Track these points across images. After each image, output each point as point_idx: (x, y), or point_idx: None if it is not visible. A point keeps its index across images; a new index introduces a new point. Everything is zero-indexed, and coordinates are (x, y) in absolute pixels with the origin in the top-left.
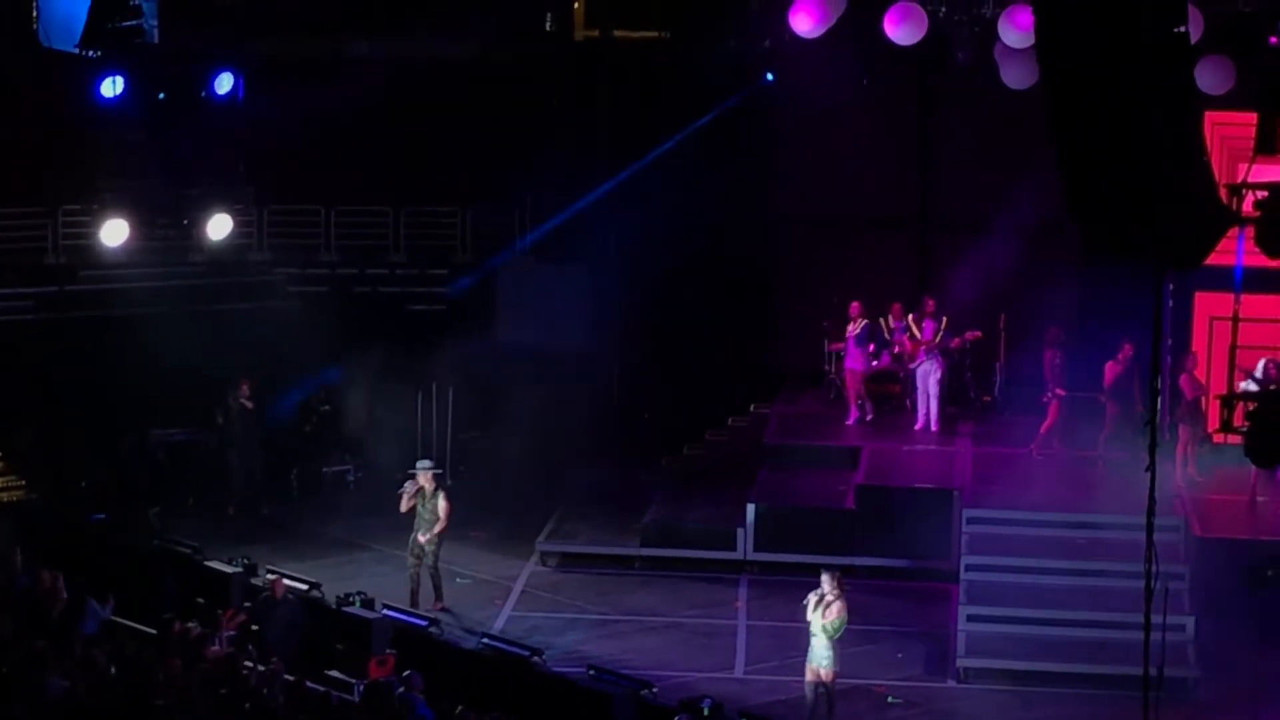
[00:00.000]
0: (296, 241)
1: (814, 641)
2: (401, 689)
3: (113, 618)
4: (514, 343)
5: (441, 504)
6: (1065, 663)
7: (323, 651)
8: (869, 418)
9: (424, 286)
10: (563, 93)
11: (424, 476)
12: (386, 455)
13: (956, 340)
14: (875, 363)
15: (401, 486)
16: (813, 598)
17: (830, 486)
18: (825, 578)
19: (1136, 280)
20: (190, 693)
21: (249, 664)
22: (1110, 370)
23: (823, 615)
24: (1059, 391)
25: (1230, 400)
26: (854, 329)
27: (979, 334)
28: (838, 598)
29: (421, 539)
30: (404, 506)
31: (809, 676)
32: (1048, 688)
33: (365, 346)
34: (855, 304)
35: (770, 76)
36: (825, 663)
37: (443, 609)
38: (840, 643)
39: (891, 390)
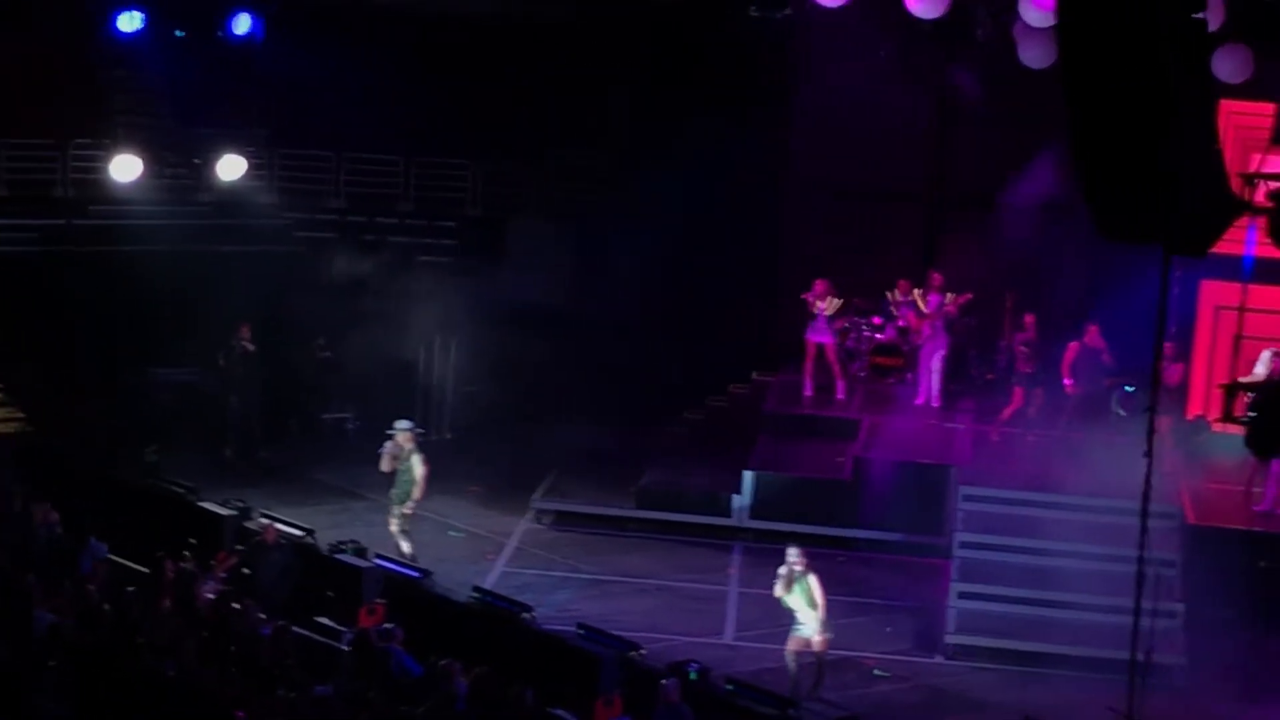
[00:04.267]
0: (306, 186)
1: (801, 615)
2: (382, 642)
3: (108, 556)
4: (519, 299)
5: (418, 468)
6: (1054, 644)
7: (313, 598)
8: (840, 396)
9: (432, 238)
10: (582, 52)
11: (402, 436)
12: (386, 405)
13: (952, 306)
14: (851, 338)
15: (382, 447)
16: (780, 577)
17: (828, 458)
18: (793, 552)
19: (1145, 263)
20: (178, 633)
21: (236, 605)
22: (1072, 350)
23: (813, 594)
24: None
25: (1233, 389)
26: (825, 307)
27: (970, 295)
28: (809, 570)
29: (400, 509)
30: (385, 466)
31: (793, 646)
32: (1036, 668)
33: (370, 295)
34: (820, 281)
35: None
36: (821, 632)
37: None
38: (830, 613)
39: (895, 364)
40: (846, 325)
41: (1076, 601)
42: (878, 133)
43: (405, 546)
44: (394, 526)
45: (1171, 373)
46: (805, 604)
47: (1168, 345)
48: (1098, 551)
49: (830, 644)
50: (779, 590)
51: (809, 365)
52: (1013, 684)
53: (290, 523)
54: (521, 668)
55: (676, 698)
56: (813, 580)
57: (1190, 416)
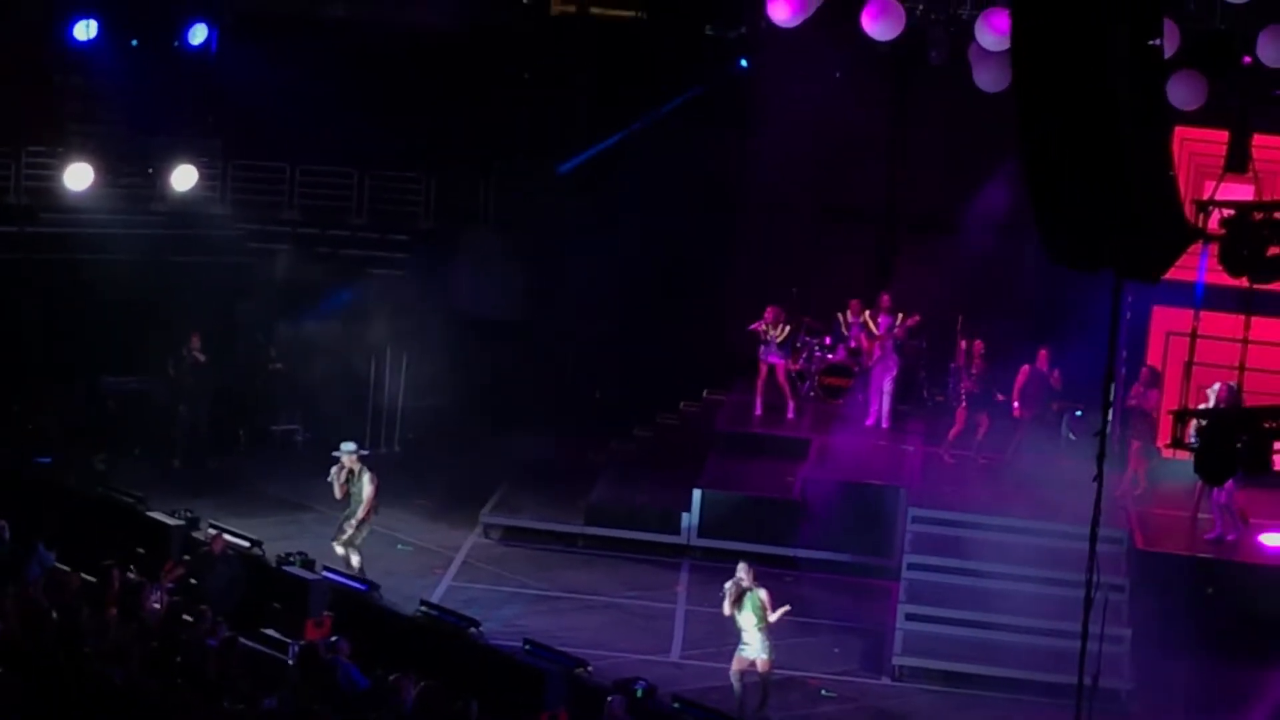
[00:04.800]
0: (259, 198)
1: (746, 635)
2: (329, 655)
3: (55, 564)
4: (471, 312)
5: (367, 488)
6: (1001, 667)
7: (260, 609)
8: (790, 416)
9: (384, 250)
10: (536, 67)
11: (348, 459)
12: (336, 417)
13: (900, 330)
14: (795, 365)
15: (329, 474)
16: (730, 590)
17: (778, 477)
18: (743, 567)
19: (1096, 289)
20: (124, 643)
21: (186, 618)
22: (1023, 374)
23: (762, 610)
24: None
25: (1183, 416)
26: (776, 334)
27: (917, 318)
28: (756, 586)
29: (349, 529)
30: (338, 494)
31: (737, 666)
32: (983, 691)
33: (321, 308)
34: (771, 309)
35: (744, 63)
36: (764, 653)
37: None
38: (776, 634)
39: (845, 384)
40: (799, 345)
41: (1024, 625)
42: (832, 152)
43: (354, 560)
44: (341, 540)
45: (1148, 398)
46: (754, 620)
47: (1143, 371)
48: (1046, 575)
49: (775, 664)
50: (727, 607)
51: (760, 384)
52: (959, 706)
53: (238, 534)
54: (468, 682)
55: (622, 714)
56: (763, 594)
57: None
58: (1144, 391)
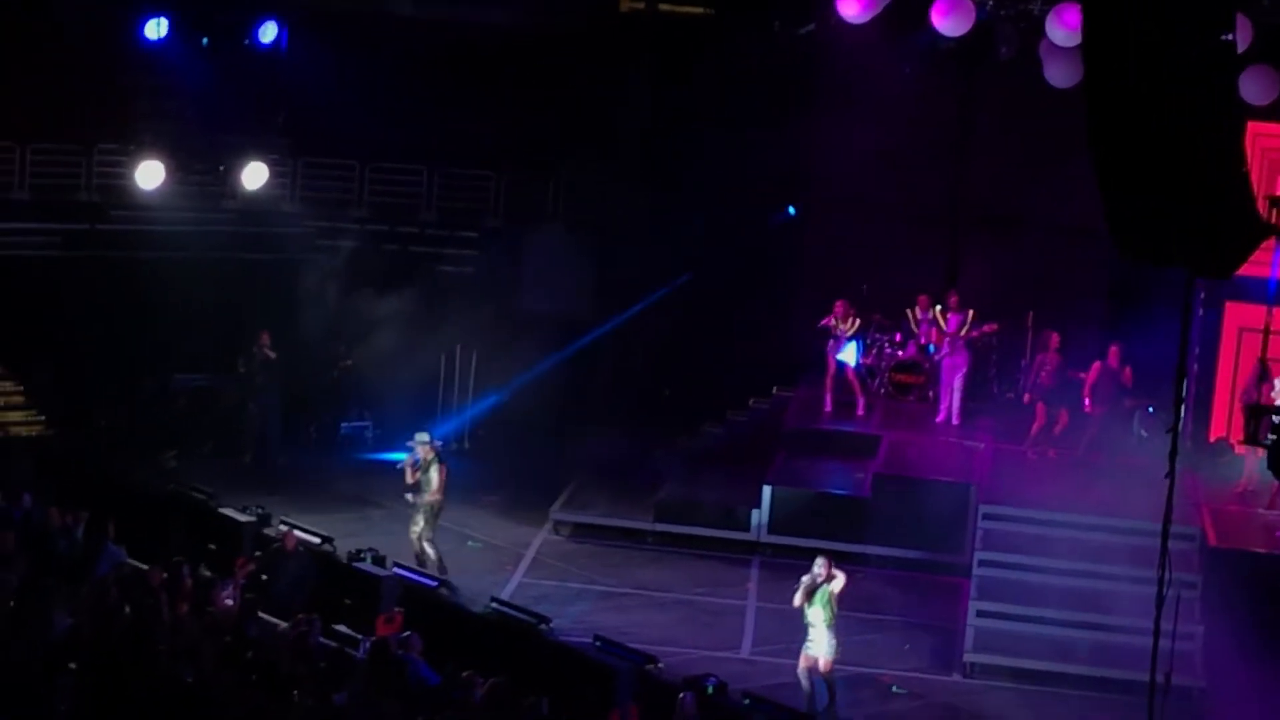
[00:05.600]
0: (329, 195)
1: (813, 631)
2: (400, 651)
3: (126, 560)
4: (539, 310)
5: (435, 476)
6: (1072, 664)
7: (331, 605)
8: (860, 412)
9: (453, 248)
10: (604, 64)
11: (421, 449)
12: (405, 414)
13: (976, 332)
14: (866, 360)
15: (402, 460)
16: (805, 583)
17: (848, 474)
18: (820, 561)
19: (1167, 286)
20: (196, 640)
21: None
22: (1095, 371)
23: (832, 605)
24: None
25: (1257, 412)
26: (846, 329)
27: (996, 326)
28: (832, 579)
29: (420, 521)
30: (409, 479)
31: (804, 664)
32: (1053, 688)
33: (390, 305)
34: (840, 303)
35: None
36: (828, 652)
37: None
38: (847, 631)
39: (915, 381)
40: (869, 342)
41: (1095, 622)
42: (900, 148)
43: (431, 552)
44: (415, 533)
45: (1261, 393)
46: (823, 616)
47: (1251, 365)
48: (1117, 572)
49: (843, 660)
50: (798, 599)
51: (829, 381)
52: (1030, 703)
53: (309, 530)
54: (537, 679)
55: (693, 711)
56: (836, 586)
57: (1212, 438)
58: (1253, 387)
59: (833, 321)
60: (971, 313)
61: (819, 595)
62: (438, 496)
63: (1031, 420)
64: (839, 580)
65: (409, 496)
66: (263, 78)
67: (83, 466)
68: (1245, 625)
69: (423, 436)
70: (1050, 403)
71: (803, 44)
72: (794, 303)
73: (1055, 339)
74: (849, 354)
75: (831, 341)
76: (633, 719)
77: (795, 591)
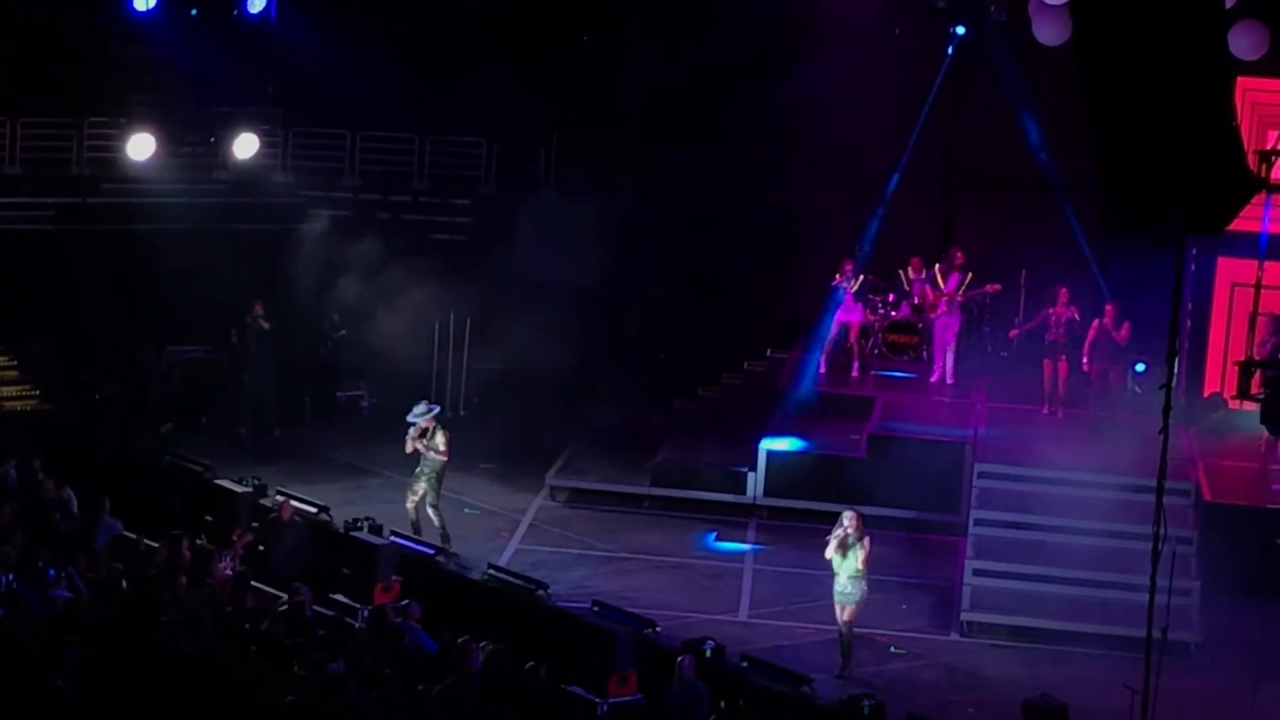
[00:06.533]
0: (320, 165)
1: (843, 581)
2: (399, 619)
3: (124, 533)
4: (532, 276)
5: (440, 441)
6: (1069, 621)
7: (328, 575)
8: (854, 374)
9: (446, 215)
10: (594, 28)
11: (425, 420)
12: (401, 383)
13: (976, 292)
14: (872, 316)
15: (406, 431)
16: (835, 538)
17: (843, 434)
18: (848, 515)
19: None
20: (195, 611)
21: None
22: (1094, 330)
23: (859, 560)
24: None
25: (1249, 367)
26: (852, 286)
27: (999, 286)
28: (863, 537)
29: (421, 488)
30: (409, 448)
31: (846, 615)
32: (1050, 645)
33: (384, 273)
34: (848, 261)
35: None
36: (857, 598)
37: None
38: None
39: (909, 341)
40: (864, 302)
41: (1091, 579)
42: (891, 109)
43: (436, 520)
44: (412, 502)
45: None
46: (853, 568)
47: (1262, 321)
48: (1113, 529)
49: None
50: (831, 551)
51: (828, 344)
52: (1027, 661)
53: (306, 500)
54: (536, 644)
55: (691, 674)
56: (863, 551)
57: (1205, 393)
58: (1268, 340)
59: (840, 280)
60: (971, 274)
61: (851, 551)
62: (444, 458)
63: (1026, 378)
64: (867, 542)
65: (421, 481)
66: (252, 48)
67: (78, 440)
68: (1241, 579)
69: (420, 409)
70: (1052, 356)
71: (796, 4)
72: (787, 265)
73: (1064, 293)
74: (857, 313)
75: (838, 304)
76: (631, 683)
77: (828, 543)
